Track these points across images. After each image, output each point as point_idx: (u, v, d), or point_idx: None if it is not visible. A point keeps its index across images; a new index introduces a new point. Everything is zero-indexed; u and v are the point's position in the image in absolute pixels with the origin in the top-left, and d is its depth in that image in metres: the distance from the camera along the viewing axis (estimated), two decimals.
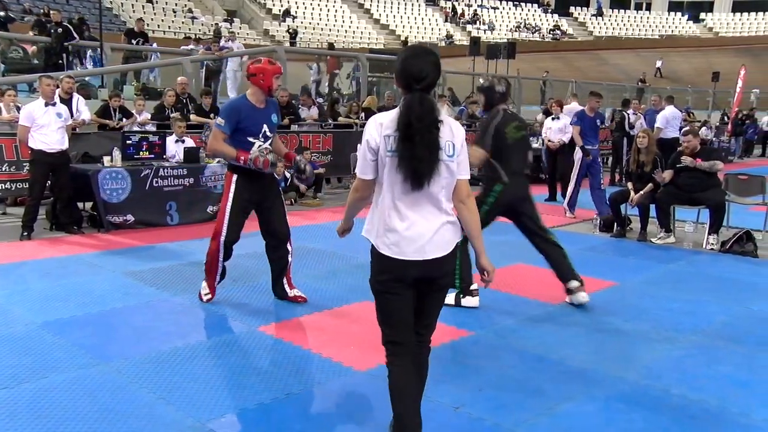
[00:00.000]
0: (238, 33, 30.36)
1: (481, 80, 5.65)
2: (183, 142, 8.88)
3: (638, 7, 48.95)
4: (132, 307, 5.01)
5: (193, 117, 9.95)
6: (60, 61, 13.31)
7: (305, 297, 5.26)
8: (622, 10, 47.43)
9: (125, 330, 4.56)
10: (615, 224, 8.22)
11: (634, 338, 4.63)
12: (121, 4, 29.18)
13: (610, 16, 46.78)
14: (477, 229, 2.97)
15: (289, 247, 5.23)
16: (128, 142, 8.14)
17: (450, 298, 5.11)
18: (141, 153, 8.14)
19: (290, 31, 28.83)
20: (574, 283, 5.29)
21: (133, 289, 5.45)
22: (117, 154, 7.98)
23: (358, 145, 2.99)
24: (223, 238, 4.98)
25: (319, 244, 7.24)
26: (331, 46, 24.40)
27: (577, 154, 9.44)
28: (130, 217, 7.70)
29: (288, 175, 10.27)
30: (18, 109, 8.33)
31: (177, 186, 8.26)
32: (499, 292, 5.64)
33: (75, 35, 13.85)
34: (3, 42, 13.71)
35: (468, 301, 5.22)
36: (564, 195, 10.60)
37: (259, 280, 5.81)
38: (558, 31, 42.97)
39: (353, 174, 10.74)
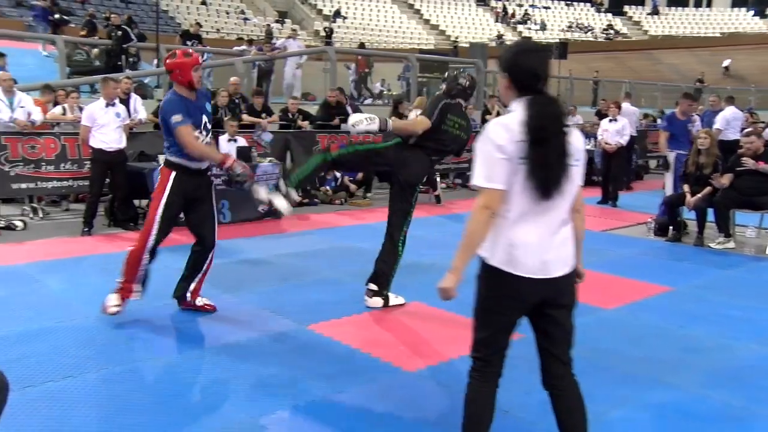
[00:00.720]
0: (289, 34, 30.77)
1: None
2: (235, 141, 9.04)
3: (698, 4, 47.48)
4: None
5: (245, 117, 10.11)
6: (119, 63, 13.71)
7: (214, 306, 4.97)
8: (680, 8, 46.12)
9: (178, 326, 4.66)
10: (670, 228, 8.01)
11: (689, 345, 4.51)
12: (177, 6, 29.84)
13: (667, 14, 45.58)
14: (583, 238, 2.75)
15: (210, 255, 4.94)
16: None
17: (379, 301, 5.12)
18: None
19: (327, 29, 28.73)
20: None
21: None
22: None
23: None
24: (150, 244, 4.66)
25: (367, 244, 7.25)
26: (362, 45, 24.25)
27: (671, 155, 8.98)
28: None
29: (338, 174, 10.35)
30: (81, 109, 8.61)
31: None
32: None
33: (133, 37, 14.24)
34: (68, 45, 14.19)
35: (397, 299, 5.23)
36: (613, 198, 10.41)
37: (307, 279, 5.86)
38: (611, 31, 42.13)
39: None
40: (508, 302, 2.57)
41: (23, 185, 8.11)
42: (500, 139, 2.44)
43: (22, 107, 8.19)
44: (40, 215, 8.34)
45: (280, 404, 3.46)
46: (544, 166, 2.41)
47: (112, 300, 4.62)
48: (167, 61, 4.65)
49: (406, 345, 4.37)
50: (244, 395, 3.55)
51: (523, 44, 2.65)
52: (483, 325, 2.66)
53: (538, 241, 2.50)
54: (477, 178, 2.52)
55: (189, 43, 15.35)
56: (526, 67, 2.51)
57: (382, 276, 5.19)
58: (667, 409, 3.54)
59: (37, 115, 8.35)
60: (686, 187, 7.85)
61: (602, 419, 3.41)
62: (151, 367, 3.89)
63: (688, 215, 8.09)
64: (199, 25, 17.11)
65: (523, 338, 4.50)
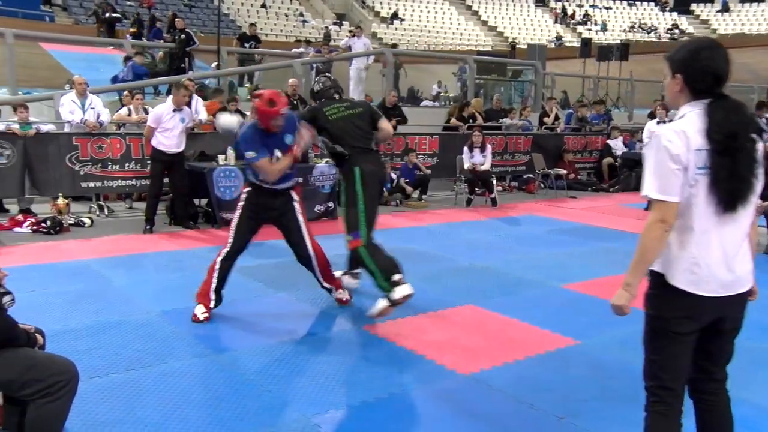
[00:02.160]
0: (347, 36, 31.01)
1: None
2: None
3: None
4: (241, 301, 5.22)
5: None
6: (182, 65, 14.08)
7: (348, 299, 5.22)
8: (753, 4, 44.22)
9: (235, 323, 4.76)
10: None
11: (760, 358, 4.34)
12: (237, 9, 30.46)
13: (739, 11, 43.87)
14: (756, 251, 2.56)
15: (311, 264, 5.11)
16: None
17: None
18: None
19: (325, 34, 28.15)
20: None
21: (242, 283, 5.67)
22: (231, 153, 8.34)
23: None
24: (223, 255, 4.91)
25: (422, 246, 7.27)
26: (394, 45, 24.02)
27: None
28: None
29: (394, 176, 10.38)
30: (145, 111, 8.89)
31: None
32: (606, 301, 5.44)
33: (196, 40, 14.60)
34: (135, 49, 14.67)
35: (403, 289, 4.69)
36: None
37: (363, 279, 5.89)
38: (676, 30, 40.94)
39: (458, 177, 10.62)
40: (688, 323, 2.38)
41: (91, 184, 8.42)
42: (676, 147, 2.26)
43: (92, 108, 8.52)
44: (106, 213, 8.64)
45: (334, 404, 3.50)
46: (732, 177, 2.25)
47: (199, 309, 4.76)
48: (255, 100, 4.79)
49: (461, 348, 4.35)
50: (298, 393, 3.60)
51: (700, 41, 2.42)
52: (661, 349, 2.45)
53: (723, 258, 2.34)
54: (649, 190, 2.33)
55: (247, 44, 15.66)
56: (707, 67, 2.31)
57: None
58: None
59: (106, 117, 8.67)
60: None
61: None
62: (209, 363, 3.99)
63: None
64: (254, 26, 17.44)
65: (578, 345, 4.45)
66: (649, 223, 2.34)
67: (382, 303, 4.63)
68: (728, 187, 2.26)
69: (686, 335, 2.39)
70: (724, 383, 2.55)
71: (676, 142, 2.26)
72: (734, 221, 2.32)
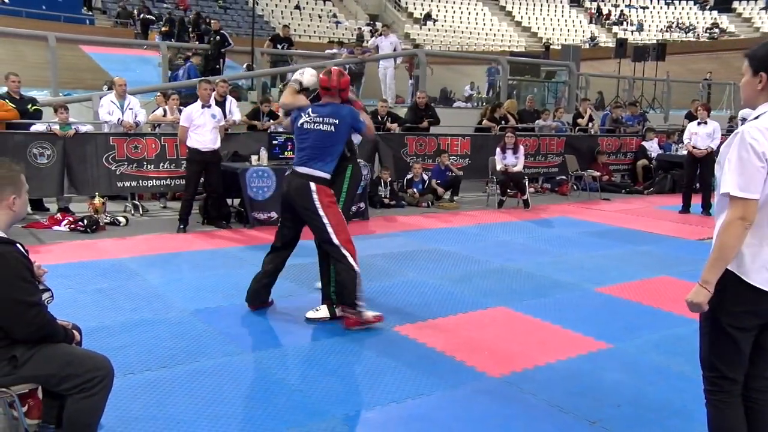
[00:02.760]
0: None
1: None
2: None
3: None
4: (274, 302, 5.26)
5: None
6: (217, 66, 14.26)
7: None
8: None
9: (267, 322, 4.80)
10: None
11: None
12: (271, 11, 30.74)
13: None
14: None
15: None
16: (274, 142, 8.55)
17: (324, 311, 4.83)
18: (286, 153, 8.52)
19: (358, 35, 27.80)
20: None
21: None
22: (264, 153, 8.42)
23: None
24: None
25: (454, 248, 7.25)
26: (416, 46, 23.83)
27: None
28: (274, 214, 8.08)
29: (426, 177, 10.37)
30: (180, 111, 9.02)
31: None
32: (640, 305, 5.38)
33: (231, 42, 14.76)
34: (171, 50, 14.91)
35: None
36: (705, 206, 9.88)
37: (393, 280, 5.90)
38: (716, 30, 40.12)
39: (490, 178, 10.56)
40: (753, 319, 2.42)
41: (127, 183, 8.58)
42: (762, 145, 2.28)
43: (130, 109, 8.68)
44: (141, 212, 8.78)
45: (363, 404, 3.50)
46: None
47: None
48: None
49: (492, 350, 4.32)
50: (328, 393, 3.61)
51: None
52: (723, 343, 2.46)
53: None
54: (731, 187, 2.32)
55: (279, 46, 15.77)
56: None
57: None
58: None
59: (143, 117, 8.83)
60: None
61: None
62: (241, 362, 4.02)
63: None
64: (287, 27, 17.63)
65: (610, 348, 4.39)
66: (729, 221, 2.33)
67: (323, 310, 4.83)
68: None
69: (749, 330, 2.43)
70: None
71: (761, 140, 2.27)
72: None
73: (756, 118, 2.39)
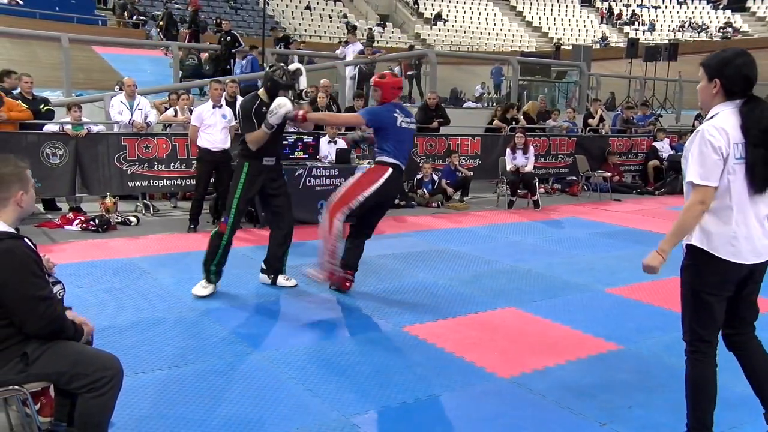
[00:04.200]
0: (390, 37, 31.07)
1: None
2: (335, 143, 9.22)
3: None
4: (282, 301, 5.27)
5: None
6: (228, 67, 14.28)
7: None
8: None
9: (276, 322, 4.82)
10: None
11: None
12: (282, 12, 30.82)
13: None
14: None
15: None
16: (284, 142, 8.53)
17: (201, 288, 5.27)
18: (296, 153, 8.54)
19: (368, 36, 27.53)
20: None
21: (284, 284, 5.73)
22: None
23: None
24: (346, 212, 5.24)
25: (464, 248, 7.23)
26: (411, 47, 23.65)
27: None
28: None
29: (435, 177, 10.35)
30: (191, 111, 9.05)
31: (328, 185, 8.57)
32: (651, 306, 5.35)
33: (241, 42, 14.80)
34: (182, 51, 14.97)
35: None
36: None
37: (403, 281, 5.90)
38: (729, 29, 39.84)
39: (500, 179, 10.53)
40: (724, 286, 2.85)
41: (138, 183, 8.61)
42: (718, 141, 2.69)
43: (140, 109, 8.72)
44: (152, 212, 8.82)
45: (373, 404, 3.50)
46: (765, 165, 2.71)
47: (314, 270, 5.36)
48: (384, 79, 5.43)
49: (501, 351, 4.31)
50: (337, 394, 3.62)
51: (734, 50, 2.82)
52: (703, 309, 2.88)
53: (754, 232, 2.81)
54: (693, 176, 2.74)
55: (278, 47, 15.84)
56: (749, 76, 2.75)
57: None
58: None
59: (153, 117, 8.86)
60: None
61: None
62: (250, 362, 4.03)
63: None
64: (283, 29, 17.54)
65: (621, 349, 4.36)
66: (690, 204, 2.77)
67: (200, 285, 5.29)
68: (761, 173, 2.73)
69: (721, 296, 2.86)
70: (754, 331, 3.02)
71: (717, 137, 2.69)
72: (763, 201, 2.82)
73: (711, 117, 2.80)
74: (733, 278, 2.84)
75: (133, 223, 8.05)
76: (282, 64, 5.69)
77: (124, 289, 5.42)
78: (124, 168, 8.45)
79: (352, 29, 15.93)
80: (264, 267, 5.66)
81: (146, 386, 3.59)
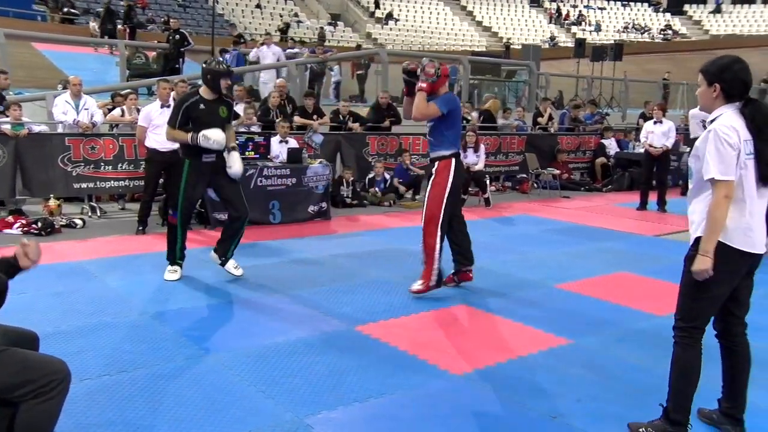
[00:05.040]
0: (341, 36, 30.99)
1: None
2: (287, 142, 9.15)
3: (766, 1, 45.45)
4: (235, 303, 5.21)
5: (296, 119, 10.23)
6: (177, 66, 14.04)
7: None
8: (745, 5, 44.36)
9: (228, 324, 4.75)
10: None
11: (754, 359, 4.33)
12: (232, 10, 30.42)
13: (731, 12, 44.04)
14: None
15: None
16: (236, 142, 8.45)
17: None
18: (247, 153, 8.44)
19: (320, 35, 27.42)
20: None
21: (236, 284, 5.66)
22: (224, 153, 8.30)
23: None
24: (440, 228, 5.41)
25: (416, 246, 7.22)
26: (358, 47, 23.66)
27: None
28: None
29: (388, 176, 10.38)
30: (138, 111, 8.86)
31: (280, 186, 8.52)
32: (600, 301, 5.47)
33: (191, 41, 14.57)
34: (129, 49, 14.65)
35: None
36: (661, 203, 10.10)
37: (356, 280, 5.90)
38: (669, 31, 41.07)
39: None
40: (735, 276, 3.02)
41: (83, 185, 8.39)
42: (732, 138, 2.89)
43: (86, 109, 8.48)
44: (99, 214, 8.61)
45: (327, 405, 3.48)
46: None
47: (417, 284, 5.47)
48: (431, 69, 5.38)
49: (454, 348, 4.35)
50: (290, 395, 3.59)
51: (731, 57, 3.06)
52: (705, 297, 3.03)
53: (763, 222, 3.02)
54: (715, 173, 2.90)
55: (232, 45, 15.66)
56: (747, 80, 2.99)
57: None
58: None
59: (99, 117, 8.63)
60: None
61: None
62: (202, 364, 3.97)
63: None
64: (234, 26, 17.12)
65: (571, 344, 4.45)
66: (717, 201, 2.91)
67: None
68: (766, 167, 2.93)
69: (728, 287, 3.03)
70: (745, 329, 3.20)
71: (731, 134, 2.89)
72: (764, 194, 3.02)
73: (715, 118, 2.98)
74: (743, 268, 3.02)
75: (78, 226, 7.84)
76: (213, 58, 5.92)
77: (71, 293, 5.27)
78: (69, 169, 8.21)
79: (267, 34, 15.56)
80: (216, 247, 5.86)
81: (93, 392, 3.50)
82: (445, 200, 5.38)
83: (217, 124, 5.50)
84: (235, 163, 5.70)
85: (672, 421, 3.12)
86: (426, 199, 5.50)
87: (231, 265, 5.80)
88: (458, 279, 5.80)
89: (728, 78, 2.97)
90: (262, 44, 14.49)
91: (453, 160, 5.44)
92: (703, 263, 2.93)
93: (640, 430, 3.21)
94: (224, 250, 5.79)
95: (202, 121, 5.47)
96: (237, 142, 8.37)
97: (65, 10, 21.95)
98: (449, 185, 5.39)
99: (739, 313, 3.17)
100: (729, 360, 3.22)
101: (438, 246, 5.40)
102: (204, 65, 5.68)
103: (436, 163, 5.48)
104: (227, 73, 5.56)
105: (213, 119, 5.52)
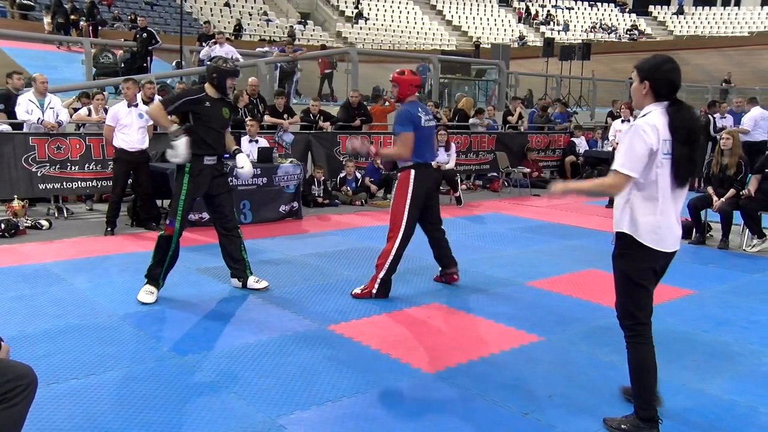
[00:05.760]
0: (311, 35, 30.87)
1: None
2: (256, 142, 9.09)
3: (726, 3, 46.58)
4: (205, 303, 5.16)
5: (267, 118, 10.17)
6: (144, 65, 13.85)
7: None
8: (706, 8, 45.37)
9: (199, 325, 4.70)
10: (694, 231, 7.91)
11: (715, 350, 4.45)
12: (200, 8, 30.10)
13: (693, 14, 44.95)
14: None
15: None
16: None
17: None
18: None
19: (289, 33, 27.21)
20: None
21: (206, 285, 5.61)
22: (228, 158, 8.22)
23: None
24: (401, 236, 5.40)
25: None
26: (323, 47, 23.62)
27: None
28: (205, 215, 7.90)
29: (359, 175, 10.37)
30: (106, 111, 8.72)
31: (251, 185, 8.45)
32: (570, 298, 5.53)
33: (158, 39, 14.39)
34: (96, 47, 14.40)
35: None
36: None
37: (328, 279, 5.88)
38: (635, 31, 41.70)
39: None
40: (651, 272, 3.15)
41: (49, 185, 8.23)
42: (649, 138, 2.96)
43: (51, 108, 8.32)
44: (65, 215, 8.46)
45: (299, 404, 3.47)
46: (689, 160, 3.02)
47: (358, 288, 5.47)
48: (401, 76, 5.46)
49: (426, 346, 4.36)
50: (263, 395, 3.57)
51: (663, 56, 3.15)
52: (637, 293, 3.16)
53: (674, 223, 3.12)
54: (617, 165, 3.02)
55: (205, 44, 15.45)
56: (675, 81, 3.06)
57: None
58: (691, 414, 3.49)
59: (65, 117, 8.47)
60: (710, 189, 7.76)
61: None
62: (172, 366, 3.93)
63: (712, 218, 7.99)
64: (208, 23, 16.84)
65: (541, 341, 4.50)
66: (612, 183, 3.05)
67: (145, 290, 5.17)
68: (685, 169, 3.02)
69: (651, 282, 3.15)
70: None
71: (650, 134, 2.96)
72: (682, 194, 3.13)
73: (644, 115, 3.06)
74: (656, 265, 3.13)
75: (44, 227, 7.70)
76: (221, 56, 5.71)
77: (36, 296, 5.17)
78: (34, 169, 8.06)
79: (219, 33, 15.22)
80: (232, 270, 5.56)
81: (61, 397, 3.44)
82: (407, 210, 5.36)
83: (219, 126, 5.29)
84: (245, 164, 5.54)
85: (642, 419, 3.18)
86: (390, 207, 5.53)
87: (252, 281, 5.53)
88: (445, 280, 5.87)
89: (658, 77, 3.05)
90: (215, 43, 14.10)
91: (413, 170, 5.36)
92: (559, 186, 3.24)
93: (616, 425, 3.25)
94: (242, 268, 5.53)
95: (205, 119, 5.19)
96: None
97: (18, 1, 21.23)
98: (410, 195, 5.35)
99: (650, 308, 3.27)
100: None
101: (393, 253, 5.37)
102: (211, 64, 5.47)
103: (398, 174, 5.47)
104: (234, 72, 5.31)
105: (215, 119, 5.25)
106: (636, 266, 3.10)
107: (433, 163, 10.22)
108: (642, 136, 2.94)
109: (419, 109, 5.39)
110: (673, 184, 3.04)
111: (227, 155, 5.54)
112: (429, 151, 5.53)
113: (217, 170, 5.36)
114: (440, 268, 5.90)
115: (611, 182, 3.05)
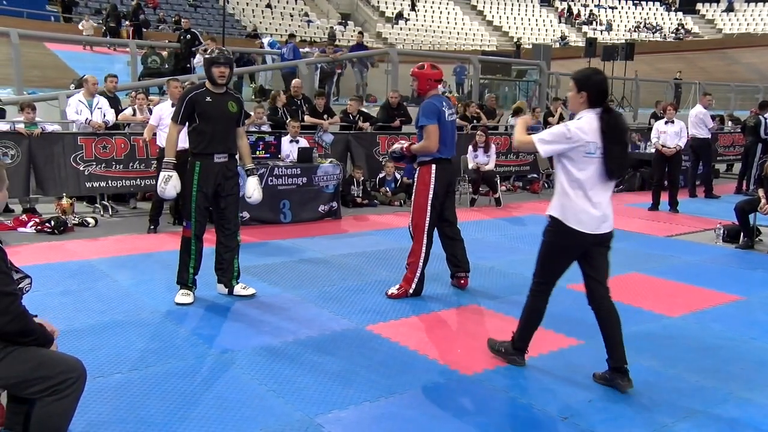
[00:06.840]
0: (351, 36, 31.04)
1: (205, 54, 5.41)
2: (297, 142, 9.17)
3: None
4: (244, 302, 5.22)
5: (307, 118, 10.24)
6: (188, 65, 14.08)
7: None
8: (759, 4, 44.00)
9: (239, 322, 4.76)
10: (741, 235, 7.70)
11: (763, 359, 4.32)
12: (242, 9, 30.51)
13: (744, 11, 43.69)
14: None
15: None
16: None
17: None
18: (257, 152, 8.46)
19: (330, 34, 27.12)
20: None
21: (246, 283, 5.67)
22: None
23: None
24: (426, 233, 5.40)
25: None
26: (359, 44, 23.36)
27: None
28: (246, 214, 8.01)
29: (398, 175, 10.37)
30: (150, 111, 8.91)
31: (290, 185, 8.53)
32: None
33: (202, 41, 14.63)
34: (145, 49, 14.74)
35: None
36: (673, 204, 10.01)
37: (366, 279, 5.89)
38: (682, 30, 40.82)
39: (462, 177, 10.50)
40: (573, 249, 3.73)
41: (95, 184, 8.44)
42: (574, 134, 3.49)
43: (99, 108, 8.53)
44: (110, 213, 8.66)
45: (337, 404, 3.49)
46: (618, 158, 3.54)
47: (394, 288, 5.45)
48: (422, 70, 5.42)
49: (464, 348, 4.34)
50: (301, 393, 3.60)
51: (593, 69, 3.81)
52: (552, 263, 3.83)
53: (600, 209, 3.60)
54: (537, 138, 3.62)
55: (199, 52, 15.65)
56: (600, 87, 3.58)
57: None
58: (739, 425, 3.40)
59: (111, 117, 8.68)
60: (761, 191, 7.52)
61: (668, 431, 3.30)
62: (212, 363, 3.99)
63: (761, 221, 7.77)
64: (244, 27, 16.95)
65: (581, 344, 4.43)
66: (530, 142, 3.66)
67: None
68: (617, 164, 3.56)
69: (571, 256, 3.78)
70: (609, 292, 3.77)
71: (576, 131, 3.50)
72: (609, 187, 3.64)
73: (578, 119, 3.57)
74: (580, 244, 3.65)
75: (90, 225, 7.89)
76: (217, 46, 5.67)
77: (82, 291, 5.31)
78: (81, 168, 8.27)
79: (209, 39, 15.16)
80: (218, 276, 5.40)
81: (105, 390, 3.52)
82: (429, 206, 5.34)
83: (226, 121, 5.11)
84: (254, 192, 5.38)
85: (516, 348, 3.98)
86: (411, 205, 5.49)
87: (239, 288, 5.36)
88: (453, 283, 5.77)
89: (591, 88, 3.54)
90: (205, 51, 14.07)
91: (433, 165, 5.32)
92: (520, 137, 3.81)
93: (497, 346, 4.08)
94: (229, 277, 5.35)
95: (209, 115, 5.02)
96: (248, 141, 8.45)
97: (72, 10, 21.96)
98: (431, 191, 5.32)
99: (597, 276, 3.75)
100: (600, 321, 3.75)
101: (423, 252, 5.37)
102: (205, 56, 5.31)
103: (418, 169, 5.43)
104: (217, 60, 4.97)
105: (221, 115, 5.06)
106: (556, 241, 3.71)
107: (471, 164, 10.30)
108: (570, 128, 3.50)
109: (443, 103, 5.37)
110: (603, 178, 3.54)
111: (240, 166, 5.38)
112: (450, 146, 5.45)
113: (228, 169, 5.18)
114: (451, 272, 5.78)
115: (530, 142, 3.64)
